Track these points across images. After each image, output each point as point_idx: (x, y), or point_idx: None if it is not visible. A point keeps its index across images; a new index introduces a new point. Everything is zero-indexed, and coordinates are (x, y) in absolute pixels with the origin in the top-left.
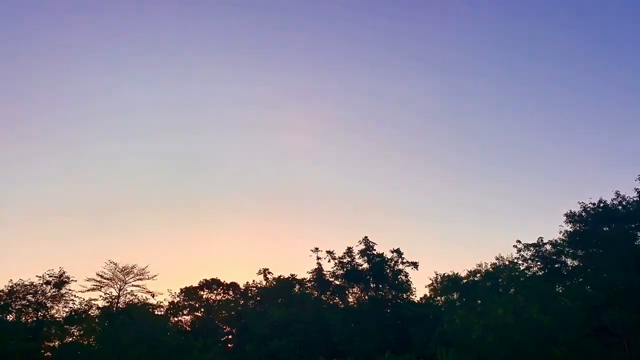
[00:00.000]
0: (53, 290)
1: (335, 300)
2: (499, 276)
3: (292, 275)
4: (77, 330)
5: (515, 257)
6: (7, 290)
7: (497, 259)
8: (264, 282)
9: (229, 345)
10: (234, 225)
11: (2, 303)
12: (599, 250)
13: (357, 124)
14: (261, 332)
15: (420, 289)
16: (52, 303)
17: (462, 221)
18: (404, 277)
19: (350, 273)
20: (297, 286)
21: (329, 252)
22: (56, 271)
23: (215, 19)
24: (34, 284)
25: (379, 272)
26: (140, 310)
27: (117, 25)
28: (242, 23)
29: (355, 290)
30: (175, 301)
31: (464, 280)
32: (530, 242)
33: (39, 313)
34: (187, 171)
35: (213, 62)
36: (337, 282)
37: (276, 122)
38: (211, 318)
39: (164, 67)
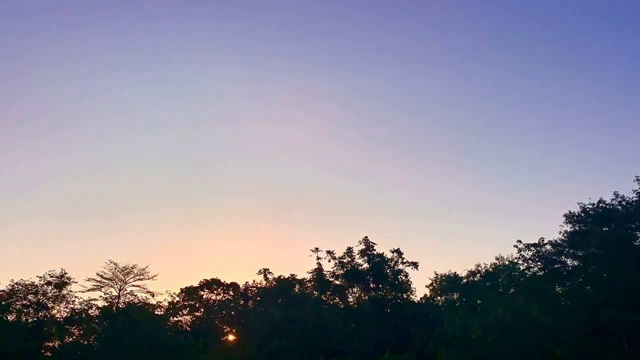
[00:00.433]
0: (54, 290)
1: (335, 300)
2: (499, 276)
3: (292, 275)
4: (77, 330)
5: (516, 257)
6: (8, 290)
7: (497, 259)
8: (264, 282)
9: (229, 345)
10: (234, 225)
11: (2, 303)
12: (599, 250)
13: (358, 123)
14: (261, 332)
15: (420, 289)
16: (53, 303)
17: (462, 221)
18: (404, 277)
19: (350, 273)
20: (297, 286)
21: (329, 252)
22: (57, 272)
23: (217, 19)
24: (35, 284)
25: (379, 272)
26: (140, 310)
27: (117, 23)
28: (244, 23)
29: (355, 290)
30: (175, 301)
31: (464, 280)
32: (531, 242)
33: (40, 313)
34: (187, 171)
35: (215, 62)
36: (337, 282)
37: (276, 122)
38: (211, 318)
39: (164, 66)
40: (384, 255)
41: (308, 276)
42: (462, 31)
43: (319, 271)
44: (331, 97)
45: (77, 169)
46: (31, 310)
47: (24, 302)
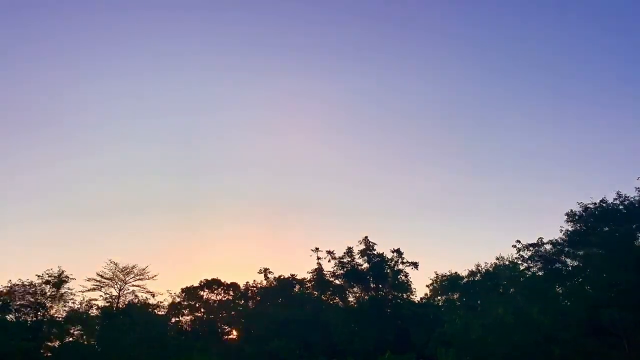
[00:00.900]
0: (52, 289)
1: (335, 300)
2: (499, 276)
3: (292, 275)
4: (77, 330)
5: (515, 257)
6: (6, 290)
7: (497, 259)
8: (264, 282)
9: (229, 345)
10: (234, 225)
11: (1, 303)
12: (599, 250)
13: (357, 125)
14: (261, 332)
15: (420, 289)
16: (52, 303)
17: (462, 221)
18: (404, 277)
19: (350, 273)
20: (297, 286)
21: (329, 252)
22: (55, 271)
23: (219, 22)
24: (34, 283)
25: (379, 272)
26: (140, 310)
27: (120, 28)
28: (246, 27)
29: (355, 290)
30: (176, 301)
31: (464, 280)
32: (530, 242)
33: (39, 313)
34: (188, 172)
35: (216, 66)
36: (337, 282)
37: (276, 124)
38: (211, 318)
39: (164, 70)
40: (384, 255)
41: (308, 276)
42: (464, 30)
43: (319, 271)
44: (331, 100)
45: (77, 169)
46: (30, 310)
47: (23, 302)
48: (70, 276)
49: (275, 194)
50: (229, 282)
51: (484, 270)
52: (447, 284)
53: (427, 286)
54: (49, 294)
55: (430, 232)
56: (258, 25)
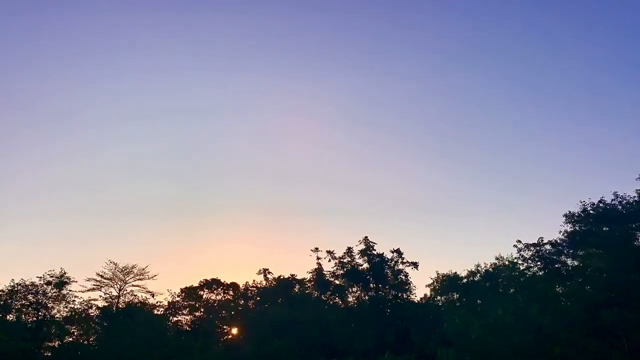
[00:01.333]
0: (54, 290)
1: (335, 300)
2: (499, 276)
3: (292, 275)
4: (77, 330)
5: (515, 257)
6: (7, 290)
7: (497, 259)
8: (264, 282)
9: (229, 345)
10: (234, 225)
11: (2, 303)
12: (599, 250)
13: (357, 125)
14: (261, 332)
15: (420, 289)
16: (53, 303)
17: (462, 221)
18: (404, 277)
19: (350, 273)
20: (297, 286)
21: (329, 252)
22: (57, 271)
23: (222, 25)
24: (35, 284)
25: (379, 272)
26: (140, 310)
27: (122, 28)
28: (246, 27)
29: (355, 290)
30: (175, 301)
31: (464, 280)
32: (531, 242)
33: (40, 313)
34: (188, 172)
35: (217, 69)
36: (337, 282)
37: (276, 124)
38: (211, 318)
39: (165, 72)
40: (384, 255)
41: (308, 276)
42: (464, 30)
43: (319, 271)
44: (330, 99)
45: (77, 169)
46: (31, 310)
47: (24, 302)
48: (72, 278)
49: (275, 193)
50: (228, 282)
51: (483, 270)
52: (447, 284)
53: (427, 286)
54: (50, 294)
55: (430, 232)
56: (259, 29)
